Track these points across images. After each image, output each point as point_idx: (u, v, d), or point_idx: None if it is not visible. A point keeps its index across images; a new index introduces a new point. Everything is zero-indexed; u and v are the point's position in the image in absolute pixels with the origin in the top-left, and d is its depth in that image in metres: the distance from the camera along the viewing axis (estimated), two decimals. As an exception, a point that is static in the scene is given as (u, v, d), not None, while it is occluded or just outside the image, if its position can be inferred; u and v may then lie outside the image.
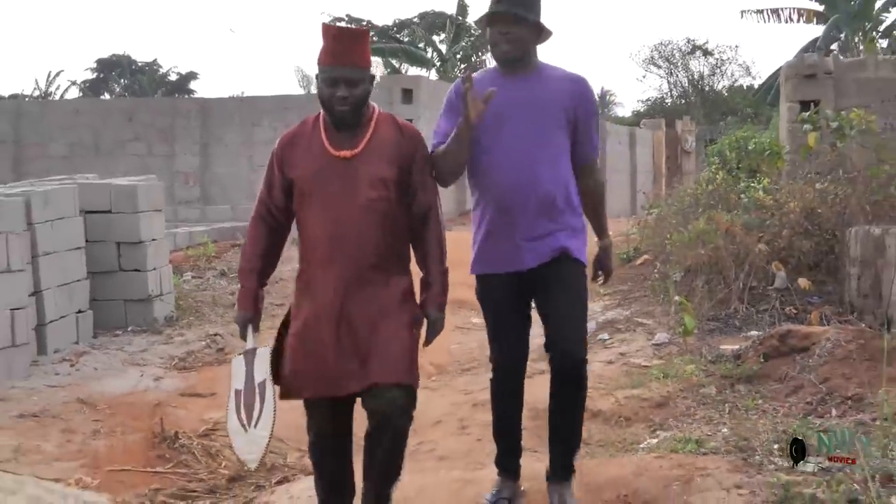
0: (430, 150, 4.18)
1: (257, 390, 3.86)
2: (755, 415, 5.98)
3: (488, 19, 4.18)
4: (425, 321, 4.05)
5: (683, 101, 40.38)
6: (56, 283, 8.70)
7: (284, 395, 3.94)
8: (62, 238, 8.87)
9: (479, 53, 32.52)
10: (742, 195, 10.33)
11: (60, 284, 8.76)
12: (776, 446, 5.07)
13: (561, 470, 4.36)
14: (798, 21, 25.79)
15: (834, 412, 5.75)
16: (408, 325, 3.94)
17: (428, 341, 4.07)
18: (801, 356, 6.70)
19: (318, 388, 3.90)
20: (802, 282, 8.32)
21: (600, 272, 4.61)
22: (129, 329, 9.67)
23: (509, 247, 4.19)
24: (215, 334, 9.42)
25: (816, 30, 26.11)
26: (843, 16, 24.52)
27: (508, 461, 4.52)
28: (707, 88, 40.19)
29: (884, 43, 24.83)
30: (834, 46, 25.65)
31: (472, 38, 32.22)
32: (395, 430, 3.89)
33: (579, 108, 4.22)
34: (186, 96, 44.57)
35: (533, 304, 4.40)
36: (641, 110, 41.64)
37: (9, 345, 7.70)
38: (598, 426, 6.25)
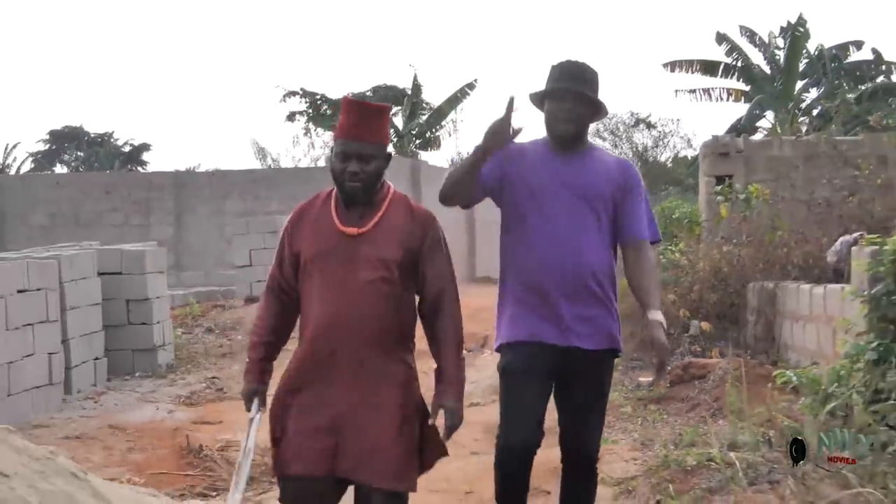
0: None
1: (245, 454, 3.91)
2: (660, 424, 7.66)
3: (552, 94, 4.13)
4: (441, 412, 3.85)
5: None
6: (79, 333, 10.21)
7: (276, 471, 3.90)
8: (84, 295, 10.40)
9: (434, 130, 33.94)
10: (661, 256, 12.09)
11: (83, 334, 10.27)
12: (672, 443, 6.74)
13: None
14: (728, 100, 27.81)
15: (721, 422, 7.41)
16: (404, 423, 3.78)
17: (448, 435, 3.86)
18: (699, 382, 8.42)
19: (307, 467, 3.75)
20: (704, 325, 10.05)
21: (652, 351, 4.19)
22: (137, 374, 11.19)
23: (551, 321, 4.05)
24: (213, 377, 10.98)
25: (745, 108, 28.11)
26: (766, 96, 26.63)
27: None
28: (651, 159, 41.64)
29: (804, 121, 26.91)
30: (760, 124, 27.76)
31: (427, 115, 33.55)
32: None
33: (626, 191, 4.16)
34: (139, 168, 45.25)
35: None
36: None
37: (47, 383, 9.22)
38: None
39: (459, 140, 57.93)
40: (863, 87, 26.86)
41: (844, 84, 27.40)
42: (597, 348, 4.06)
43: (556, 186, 4.07)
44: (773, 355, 9.65)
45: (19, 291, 8.91)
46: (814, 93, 28.26)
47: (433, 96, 34.84)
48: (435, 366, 3.92)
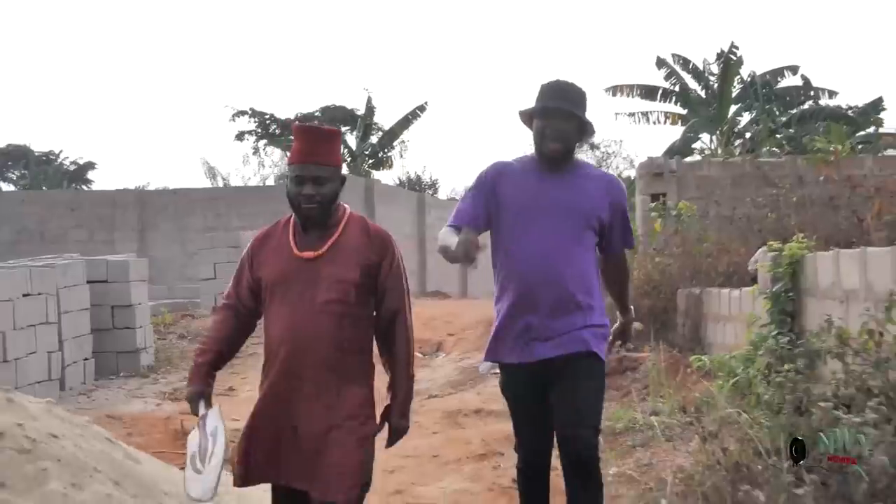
0: (448, 222, 4.35)
1: (209, 437, 3.89)
2: (597, 407, 8.82)
3: (541, 113, 4.21)
4: (387, 425, 3.99)
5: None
6: (72, 335, 11.17)
7: (239, 482, 3.97)
8: (75, 301, 11.37)
9: (386, 150, 34.96)
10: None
11: (75, 336, 11.24)
12: (606, 419, 7.89)
13: None
14: (665, 123, 29.17)
15: (649, 400, 8.58)
16: (359, 439, 3.84)
17: (389, 445, 4.02)
18: (632, 372, 9.62)
19: (269, 475, 3.91)
20: (638, 325, 11.23)
21: (619, 341, 4.67)
22: (122, 374, 12.17)
23: (523, 340, 4.18)
24: (193, 376, 11.98)
25: (682, 131, 29.49)
26: (701, 120, 28.09)
27: None
28: None
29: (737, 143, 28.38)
30: (696, 145, 29.20)
31: (380, 136, 34.56)
32: None
33: (613, 208, 4.29)
34: (84, 187, 45.01)
35: None
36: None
37: (46, 378, 10.22)
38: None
39: (409, 160, 59.12)
40: (792, 112, 28.45)
41: (775, 108, 28.91)
42: (567, 352, 4.10)
43: (543, 205, 4.16)
44: (699, 352, 10.85)
45: (24, 295, 9.90)
46: (746, 117, 29.72)
47: (385, 118, 35.91)
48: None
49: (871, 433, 3.96)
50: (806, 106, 28.72)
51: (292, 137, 3.98)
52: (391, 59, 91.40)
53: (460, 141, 79.36)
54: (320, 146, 3.89)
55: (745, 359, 7.44)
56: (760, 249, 11.05)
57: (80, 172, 52.31)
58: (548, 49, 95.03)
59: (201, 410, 3.95)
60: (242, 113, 36.75)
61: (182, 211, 23.51)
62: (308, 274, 3.88)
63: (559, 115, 4.15)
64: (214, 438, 3.89)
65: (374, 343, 4.07)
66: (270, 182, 38.18)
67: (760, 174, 14.71)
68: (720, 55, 28.56)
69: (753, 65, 46.72)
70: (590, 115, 4.26)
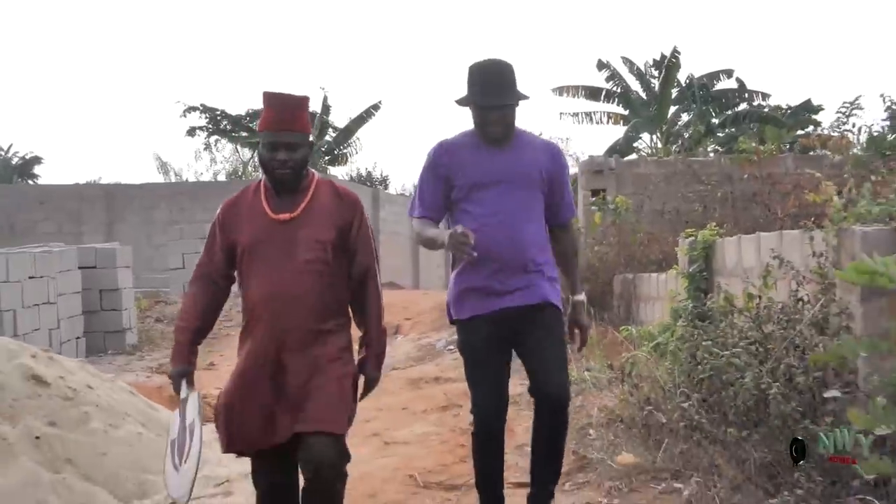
0: (412, 212, 4.63)
1: (187, 430, 3.98)
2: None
3: (475, 107, 4.44)
4: (362, 378, 4.16)
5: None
6: (66, 315, 12.30)
7: (227, 449, 4.09)
8: (69, 284, 12.51)
9: (341, 147, 35.84)
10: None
11: (69, 317, 12.38)
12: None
13: (544, 497, 4.53)
14: (608, 123, 30.53)
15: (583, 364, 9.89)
16: (339, 377, 4.01)
17: (363, 396, 4.18)
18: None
19: (256, 441, 3.99)
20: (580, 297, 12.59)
21: (576, 329, 4.74)
22: (110, 352, 13.33)
23: (483, 294, 4.40)
24: (175, 353, 13.16)
25: (623, 130, 30.87)
26: (642, 120, 29.52)
27: (491, 499, 4.63)
28: None
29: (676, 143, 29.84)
30: (637, 144, 30.63)
31: (336, 134, 35.45)
32: (326, 481, 3.92)
33: (554, 174, 4.52)
34: (31, 181, 45.16)
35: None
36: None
37: (48, 353, 11.34)
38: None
39: (361, 157, 59.69)
40: (728, 113, 30.00)
41: (711, 110, 30.42)
42: (528, 303, 4.36)
43: (491, 176, 4.39)
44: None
45: (30, 278, 11.04)
46: (685, 118, 31.23)
47: (339, 116, 36.78)
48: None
49: (741, 363, 5.30)
50: (740, 108, 30.21)
51: (263, 105, 4.08)
52: (344, 58, 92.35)
53: (409, 138, 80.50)
54: (292, 113, 4.03)
55: (664, 328, 8.78)
56: (688, 240, 12.51)
57: (27, 167, 51.51)
58: (497, 50, 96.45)
59: (183, 391, 4.07)
60: (193, 109, 36.35)
61: (147, 204, 24.53)
62: (285, 235, 4.01)
63: (495, 108, 4.37)
64: (191, 435, 3.96)
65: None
66: (222, 177, 38.87)
67: (691, 172, 16.10)
68: (662, 59, 29.84)
69: (691, 68, 48.26)
70: (520, 85, 4.44)
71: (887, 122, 16.89)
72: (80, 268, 13.06)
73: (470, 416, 4.53)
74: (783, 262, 6.15)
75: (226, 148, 39.75)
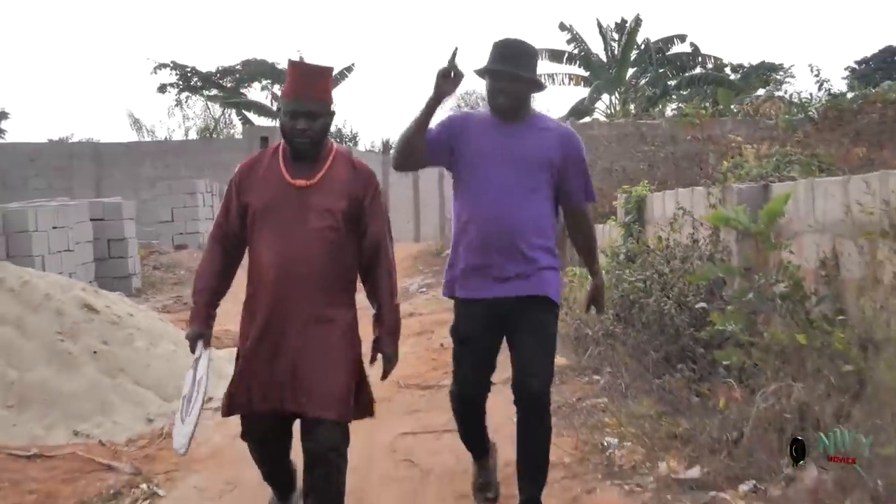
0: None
1: (195, 386, 4.04)
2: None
3: (487, 73, 4.34)
4: (380, 356, 4.14)
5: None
6: (80, 262, 13.87)
7: (227, 412, 4.11)
8: (83, 234, 14.05)
9: None
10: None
11: (83, 263, 13.94)
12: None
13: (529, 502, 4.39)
14: (570, 84, 31.87)
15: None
16: (348, 362, 4.02)
17: (385, 375, 4.17)
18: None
19: (257, 405, 4.00)
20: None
21: (593, 307, 4.89)
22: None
23: (480, 276, 4.33)
24: (178, 296, 14.75)
25: (586, 92, 32.30)
26: (603, 82, 30.97)
27: (478, 448, 4.78)
28: None
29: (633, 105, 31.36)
30: (598, 105, 32.18)
31: None
32: (330, 464, 3.96)
33: (568, 159, 4.36)
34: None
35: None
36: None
37: (69, 294, 12.95)
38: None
39: (337, 118, 60.04)
40: (683, 76, 31.61)
41: (668, 72, 32.01)
42: (525, 293, 4.26)
43: (498, 153, 4.30)
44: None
45: (54, 228, 12.60)
46: (643, 80, 32.80)
47: None
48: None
49: (646, 287, 7.02)
50: (696, 71, 31.75)
51: (287, 72, 4.09)
52: (319, 22, 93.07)
53: (379, 99, 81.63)
54: (314, 82, 4.00)
55: (601, 267, 10.46)
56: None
57: (-7, 122, 51.05)
58: (465, 15, 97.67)
59: (198, 350, 4.10)
60: (164, 66, 37.27)
61: (134, 161, 25.87)
62: (298, 201, 3.98)
63: (504, 76, 4.29)
64: (198, 389, 4.03)
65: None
66: (193, 134, 39.49)
67: (639, 134, 17.75)
68: (623, 22, 31.17)
69: (648, 32, 49.75)
70: (538, 70, 4.46)
71: (816, 88, 18.54)
72: (91, 220, 14.58)
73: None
74: (685, 212, 7.86)
75: (196, 104, 40.30)
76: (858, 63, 49.86)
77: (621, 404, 6.22)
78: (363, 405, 4.24)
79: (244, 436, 4.20)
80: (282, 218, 4.00)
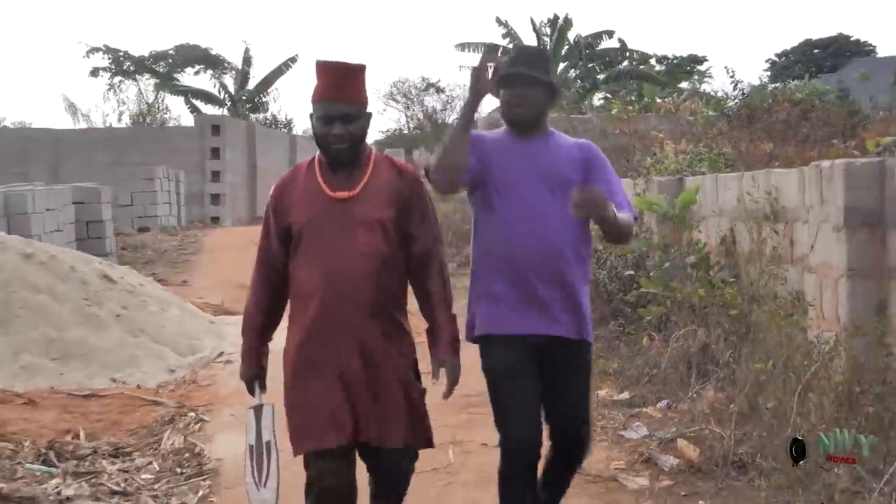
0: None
1: (265, 449, 3.86)
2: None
3: (503, 81, 3.94)
4: (441, 371, 3.83)
5: (419, 132, 42.60)
6: (65, 241, 15.13)
7: (298, 450, 3.74)
8: (66, 216, 15.32)
9: (262, 96, 37.36)
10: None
11: (67, 243, 15.19)
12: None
13: None
14: (505, 77, 33.43)
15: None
16: (407, 385, 3.77)
17: (450, 391, 3.85)
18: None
19: (323, 438, 3.66)
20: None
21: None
22: (97, 273, 16.18)
23: (531, 308, 3.90)
24: (152, 273, 16.06)
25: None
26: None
27: None
28: (440, 121, 41.44)
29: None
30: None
31: (256, 84, 36.97)
32: (400, 486, 3.91)
33: (591, 171, 4.01)
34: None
35: None
36: (382, 140, 43.30)
37: (60, 270, 14.27)
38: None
39: (282, 105, 59.02)
40: (611, 70, 33.34)
41: (597, 67, 33.72)
42: (567, 336, 3.94)
43: (521, 170, 3.96)
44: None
45: (47, 210, 13.89)
46: (573, 74, 34.47)
47: (259, 68, 37.98)
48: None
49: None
50: (623, 66, 33.46)
51: (315, 75, 3.74)
52: (264, 13, 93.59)
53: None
54: (347, 83, 3.70)
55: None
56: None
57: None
58: (406, 8, 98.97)
59: (256, 394, 3.95)
60: (97, 49, 37.48)
61: (88, 148, 26.73)
62: (342, 215, 3.69)
63: (519, 81, 3.93)
64: (268, 453, 3.86)
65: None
66: (126, 119, 39.25)
67: (571, 127, 19.26)
68: (555, 18, 32.60)
69: (578, 28, 51.48)
70: (553, 76, 4.11)
71: (731, 87, 20.36)
72: (73, 203, 15.83)
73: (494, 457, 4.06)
74: (616, 199, 9.50)
75: (130, 89, 40.39)
76: (779, 56, 52.43)
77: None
78: (424, 437, 3.94)
79: (312, 483, 3.73)
80: (326, 235, 3.70)
